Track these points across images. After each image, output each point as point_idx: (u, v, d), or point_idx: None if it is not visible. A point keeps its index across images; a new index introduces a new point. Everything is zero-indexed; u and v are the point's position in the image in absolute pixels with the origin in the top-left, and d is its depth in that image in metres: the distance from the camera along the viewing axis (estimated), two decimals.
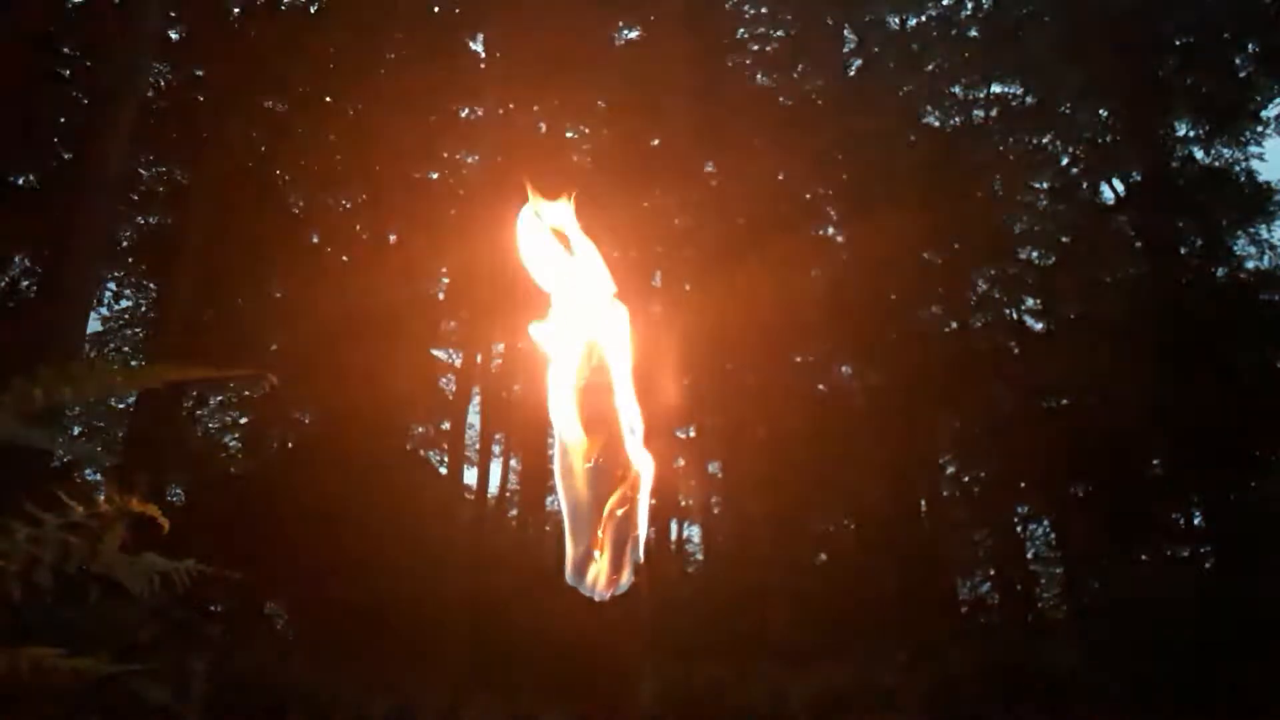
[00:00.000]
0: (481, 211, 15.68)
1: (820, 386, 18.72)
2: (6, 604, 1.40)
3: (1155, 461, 15.90)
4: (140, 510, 1.52)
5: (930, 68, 18.82)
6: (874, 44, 18.71)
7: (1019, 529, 17.51)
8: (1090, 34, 15.62)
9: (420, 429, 17.63)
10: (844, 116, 16.91)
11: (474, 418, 17.75)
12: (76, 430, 16.07)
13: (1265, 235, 16.41)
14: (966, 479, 17.95)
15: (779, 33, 19.57)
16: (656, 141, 18.03)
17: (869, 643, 11.35)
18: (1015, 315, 18.56)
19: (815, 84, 19.27)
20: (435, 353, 17.65)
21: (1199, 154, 16.64)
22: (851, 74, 18.77)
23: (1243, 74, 16.32)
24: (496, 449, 19.04)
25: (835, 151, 17.23)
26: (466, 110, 17.82)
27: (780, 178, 18.41)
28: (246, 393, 15.59)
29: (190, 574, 1.63)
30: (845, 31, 19.08)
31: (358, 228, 17.18)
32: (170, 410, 13.00)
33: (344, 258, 16.60)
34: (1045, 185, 18.52)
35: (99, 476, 13.20)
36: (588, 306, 1.61)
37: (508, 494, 19.83)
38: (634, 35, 19.38)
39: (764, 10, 19.62)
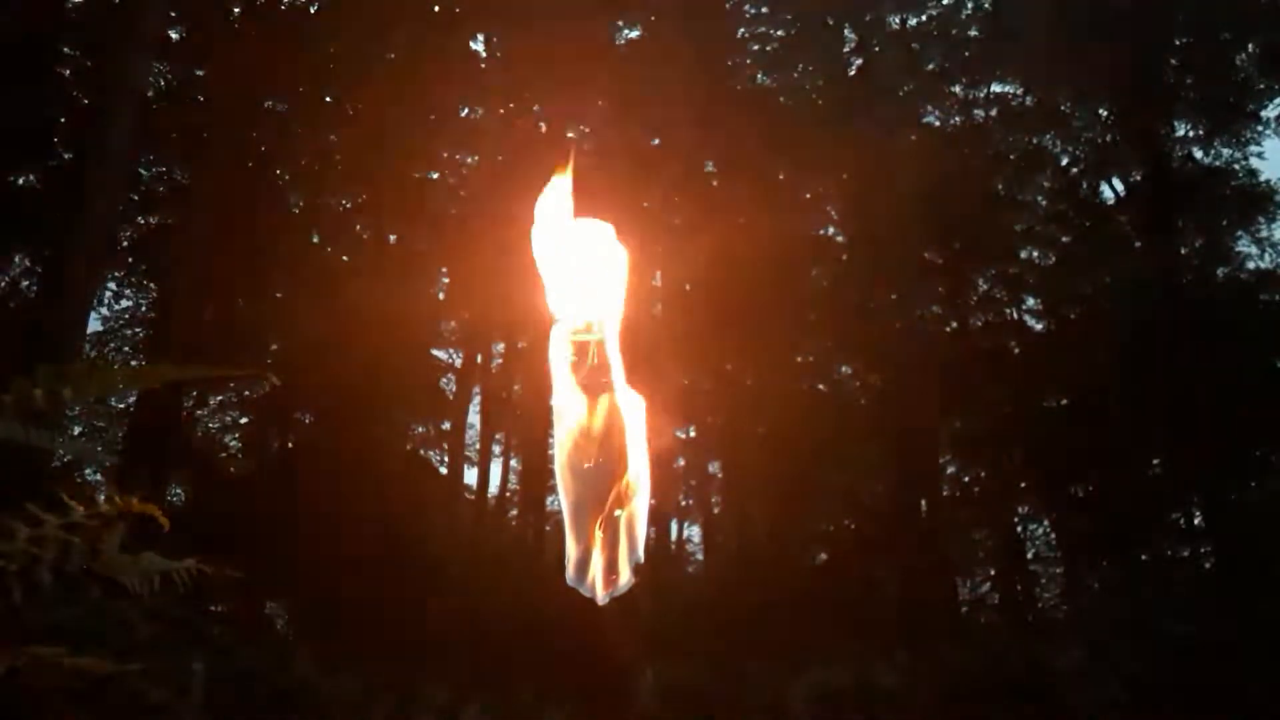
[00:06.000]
0: (481, 211, 15.70)
1: (820, 386, 18.73)
2: (6, 604, 1.40)
3: (1155, 461, 15.90)
4: (140, 510, 1.52)
5: (930, 68, 18.82)
6: (874, 44, 18.71)
7: (1019, 529, 17.50)
8: (1090, 34, 15.62)
9: (420, 429, 17.63)
10: (844, 117, 16.90)
11: (474, 418, 17.76)
12: (76, 430, 16.07)
13: (1265, 235, 16.45)
14: (966, 479, 17.95)
15: (779, 33, 19.57)
16: (657, 141, 18.03)
17: (869, 643, 11.33)
18: (1015, 315, 18.58)
19: (815, 84, 19.27)
20: (435, 353, 17.65)
21: (1199, 154, 16.66)
22: (852, 74, 18.77)
23: (1243, 74, 16.32)
24: (496, 449, 19.05)
25: (835, 151, 17.23)
26: (466, 110, 17.82)
27: (780, 177, 18.41)
28: (246, 393, 15.58)
29: (190, 574, 1.63)
30: (845, 31, 19.08)
31: (358, 228, 17.18)
32: (170, 410, 12.99)
33: (344, 258, 16.60)
34: (1045, 185, 18.53)
35: (99, 476, 13.22)
36: (589, 298, 1.61)
37: (508, 494, 19.84)
38: (634, 35, 19.38)
39: (764, 10, 19.62)
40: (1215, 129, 16.34)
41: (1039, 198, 18.66)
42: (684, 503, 20.79)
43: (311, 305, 14.39)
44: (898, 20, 19.14)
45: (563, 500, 1.51)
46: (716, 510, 20.00)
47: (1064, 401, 17.02)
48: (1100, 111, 17.64)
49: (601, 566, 1.46)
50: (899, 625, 13.42)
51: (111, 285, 15.25)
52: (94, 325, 14.56)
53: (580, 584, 1.45)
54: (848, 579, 15.85)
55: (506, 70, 17.05)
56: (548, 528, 17.34)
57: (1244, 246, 16.50)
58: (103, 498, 1.52)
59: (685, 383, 17.58)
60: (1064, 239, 18.15)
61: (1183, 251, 16.23)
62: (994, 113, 18.91)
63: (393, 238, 16.83)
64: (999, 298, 18.58)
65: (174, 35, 14.52)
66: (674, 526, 20.41)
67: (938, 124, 19.40)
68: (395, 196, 15.79)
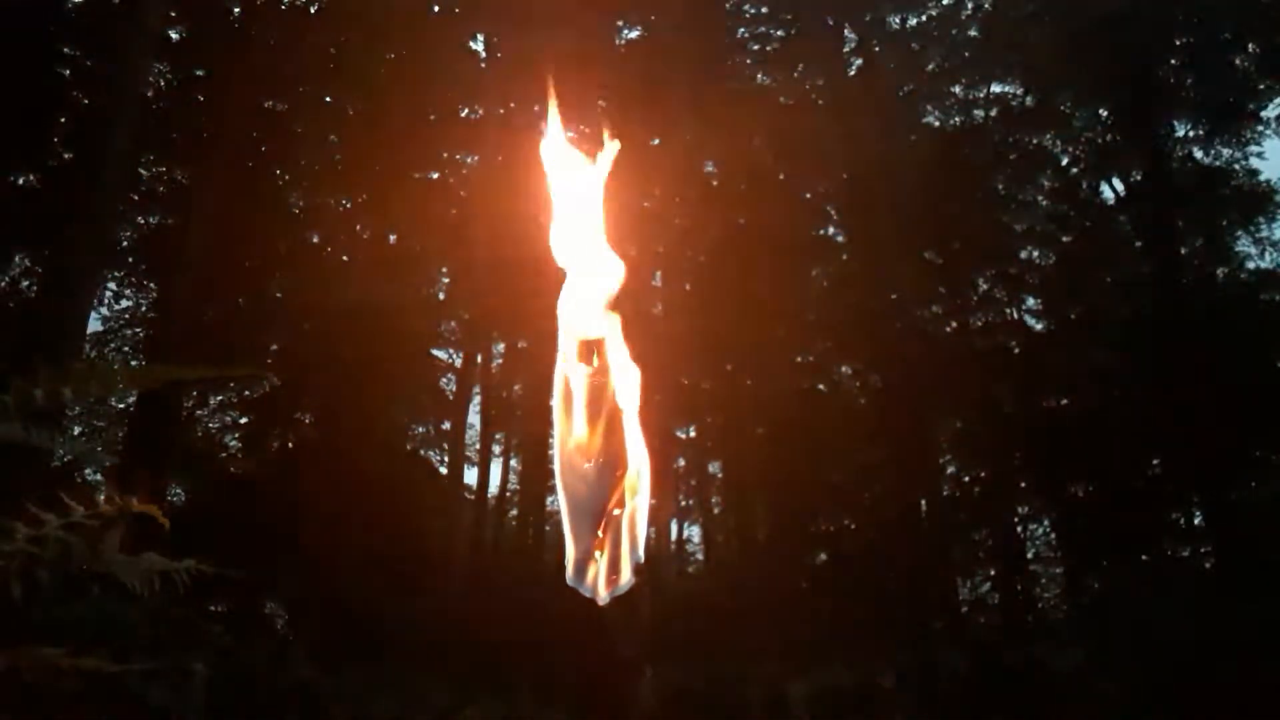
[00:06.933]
0: (481, 211, 15.70)
1: (820, 386, 18.73)
2: (7, 604, 1.40)
3: (1155, 461, 15.90)
4: (140, 510, 1.52)
5: (930, 68, 18.83)
6: (874, 44, 18.71)
7: (1019, 529, 17.50)
8: (1090, 34, 15.62)
9: (420, 429, 17.64)
10: (844, 117, 16.91)
11: (474, 418, 17.77)
12: (76, 430, 16.06)
13: (1265, 235, 16.46)
14: (966, 479, 17.95)
15: (779, 33, 19.58)
16: (657, 141, 18.03)
17: (869, 643, 11.34)
18: (1015, 315, 18.58)
19: (815, 84, 19.27)
20: (435, 353, 17.66)
21: (1199, 154, 16.66)
22: (851, 74, 18.78)
23: (1243, 74, 16.32)
24: (496, 449, 19.06)
25: (835, 151, 17.24)
26: (466, 110, 17.82)
27: (780, 177, 18.41)
28: (246, 393, 15.57)
29: (190, 574, 1.63)
30: (845, 31, 19.09)
31: (358, 228, 17.18)
32: (170, 410, 12.98)
33: (344, 258, 16.60)
34: (1045, 185, 18.53)
35: (99, 476, 13.22)
36: (592, 300, 1.61)
37: (508, 494, 19.85)
38: (634, 35, 19.39)
39: (764, 10, 19.62)
40: (1215, 129, 16.34)
41: (1039, 198, 18.67)
42: (684, 503, 20.81)
43: (311, 305, 14.38)
44: (898, 20, 19.14)
45: (562, 500, 1.51)
46: (716, 510, 20.02)
47: (1064, 401, 17.02)
48: (1100, 111, 17.64)
49: (601, 567, 1.45)
50: (899, 625, 13.42)
51: (111, 285, 15.25)
52: (94, 325, 14.55)
53: (580, 584, 1.45)
54: (848, 579, 15.84)
55: (506, 70, 17.04)
56: (548, 528, 17.35)
57: (1244, 246, 16.53)
58: (103, 498, 1.52)
59: (685, 383, 17.59)
60: (1064, 239, 18.15)
61: (1183, 251, 16.23)
62: (994, 113, 18.91)
63: (393, 238, 16.82)
64: (999, 298, 18.59)
65: (174, 35, 14.53)
66: (674, 526, 20.43)
67: (938, 124, 19.41)
68: (395, 196, 15.78)
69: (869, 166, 16.42)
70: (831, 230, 19.88)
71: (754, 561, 15.53)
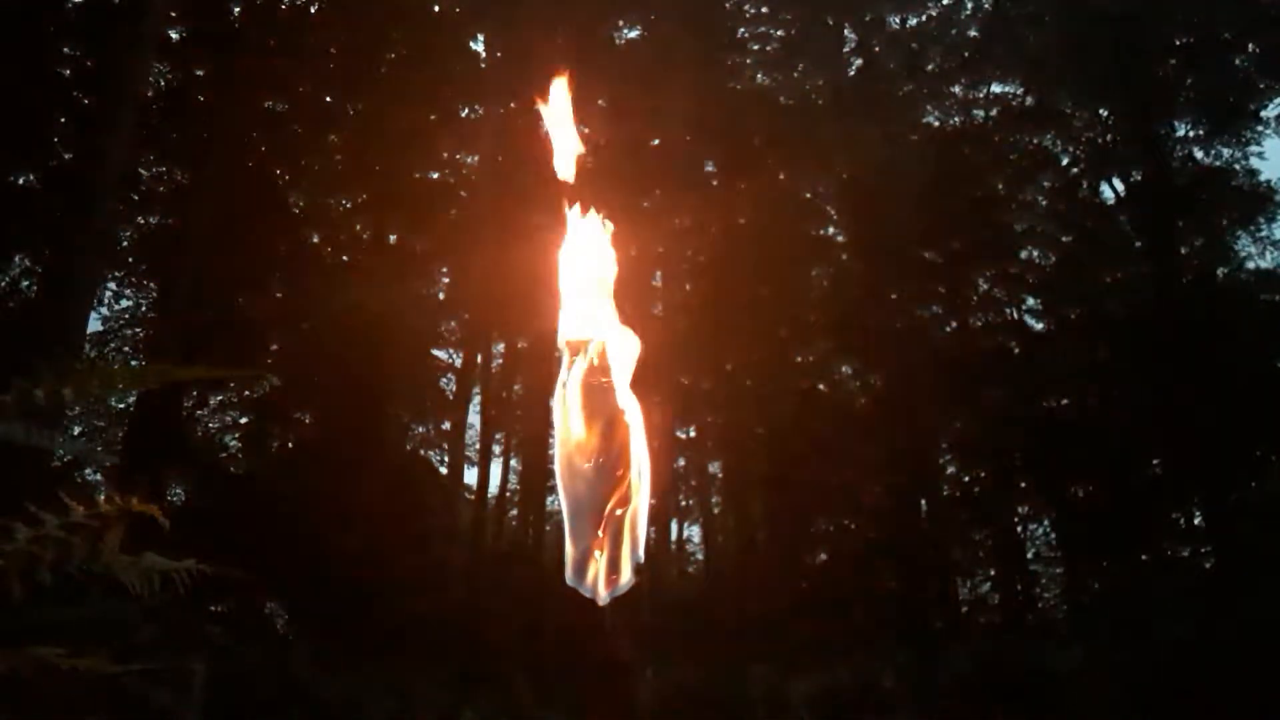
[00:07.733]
0: (481, 211, 15.70)
1: (820, 386, 18.73)
2: (7, 604, 1.40)
3: (1155, 461, 15.90)
4: (140, 510, 1.52)
5: (930, 68, 18.83)
6: (874, 44, 18.71)
7: (1019, 529, 17.50)
8: (1090, 34, 15.62)
9: (420, 429, 17.63)
10: (844, 117, 16.91)
11: (474, 418, 17.76)
12: (76, 430, 16.06)
13: (1265, 235, 16.47)
14: (966, 479, 17.95)
15: (779, 33, 19.58)
16: (656, 141, 18.02)
17: (869, 643, 11.34)
18: (1015, 315, 18.58)
19: (815, 84, 19.28)
20: (435, 353, 17.65)
21: (1199, 154, 16.67)
22: (851, 74, 18.78)
23: (1243, 74, 16.33)
24: (496, 449, 19.06)
25: (835, 151, 17.24)
26: (466, 110, 17.82)
27: (780, 177, 18.41)
28: (246, 393, 15.57)
29: (190, 574, 1.63)
30: (845, 31, 19.09)
31: (358, 228, 17.17)
32: (170, 410, 12.98)
33: (344, 258, 16.59)
34: (1045, 185, 18.53)
35: (99, 476, 13.22)
36: (593, 310, 1.61)
37: (508, 494, 19.85)
38: (634, 35, 19.39)
39: (764, 10, 19.63)
40: (1215, 129, 16.35)
41: (1039, 198, 18.67)
42: (684, 503, 20.81)
43: (311, 305, 14.37)
44: (898, 20, 19.15)
45: (562, 500, 1.51)
46: (716, 510, 20.02)
47: (1064, 401, 17.01)
48: (1100, 111, 17.65)
49: (601, 567, 1.46)
50: (899, 625, 13.42)
51: (111, 285, 15.24)
52: (94, 325, 14.54)
53: (579, 584, 1.45)
54: (848, 579, 15.84)
55: (506, 70, 17.04)
56: (548, 528, 17.34)
57: (1244, 246, 16.55)
58: (103, 498, 1.52)
59: (685, 383, 17.59)
60: (1064, 239, 18.15)
61: (1183, 251, 16.24)
62: (994, 113, 18.92)
63: (393, 238, 16.82)
64: (999, 298, 18.58)
65: (174, 35, 14.53)
66: (674, 526, 20.43)
67: (938, 124, 19.42)
68: (395, 196, 15.78)
69: (869, 166, 16.41)
70: (831, 230, 19.89)
71: (754, 561, 15.53)
